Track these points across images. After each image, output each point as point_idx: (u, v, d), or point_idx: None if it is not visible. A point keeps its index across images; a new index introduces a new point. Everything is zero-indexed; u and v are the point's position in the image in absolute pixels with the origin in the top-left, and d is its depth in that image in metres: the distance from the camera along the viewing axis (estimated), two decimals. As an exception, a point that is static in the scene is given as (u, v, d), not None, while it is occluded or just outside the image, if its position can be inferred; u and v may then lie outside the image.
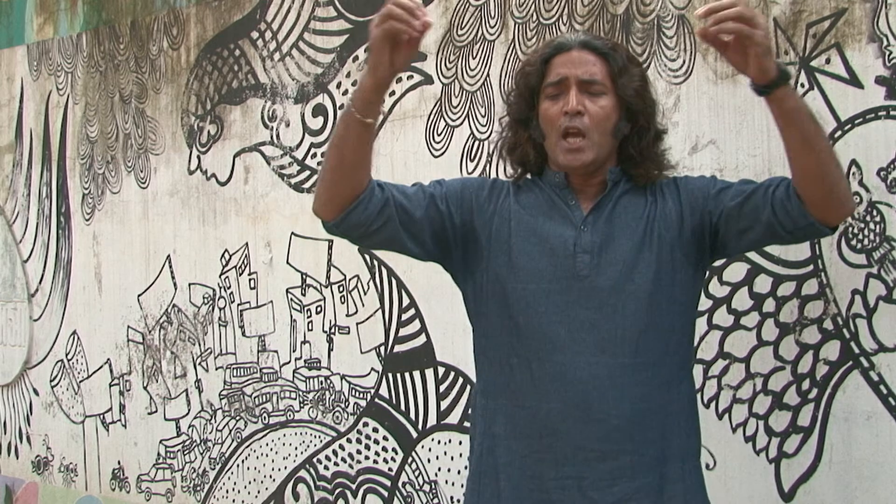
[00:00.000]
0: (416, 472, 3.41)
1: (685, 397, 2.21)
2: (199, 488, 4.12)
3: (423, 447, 3.39)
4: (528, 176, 2.28)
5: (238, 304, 3.95)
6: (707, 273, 2.32)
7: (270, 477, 3.86)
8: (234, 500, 3.99)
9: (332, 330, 3.64)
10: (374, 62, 2.05)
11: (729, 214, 2.14)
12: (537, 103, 2.21)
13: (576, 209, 2.17)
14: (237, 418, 3.96)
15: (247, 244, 3.92)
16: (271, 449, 3.85)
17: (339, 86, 3.62)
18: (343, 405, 3.61)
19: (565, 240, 2.14)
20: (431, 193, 2.21)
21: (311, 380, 3.70)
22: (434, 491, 3.36)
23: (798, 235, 2.14)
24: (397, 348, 3.46)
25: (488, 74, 3.20)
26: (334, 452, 3.65)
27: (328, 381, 3.65)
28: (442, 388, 3.33)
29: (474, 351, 2.29)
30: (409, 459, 3.43)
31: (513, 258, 2.16)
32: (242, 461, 3.95)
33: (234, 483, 3.98)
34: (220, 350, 4.02)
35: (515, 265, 2.16)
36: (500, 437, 2.18)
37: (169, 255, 4.22)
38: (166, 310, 4.23)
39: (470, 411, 2.34)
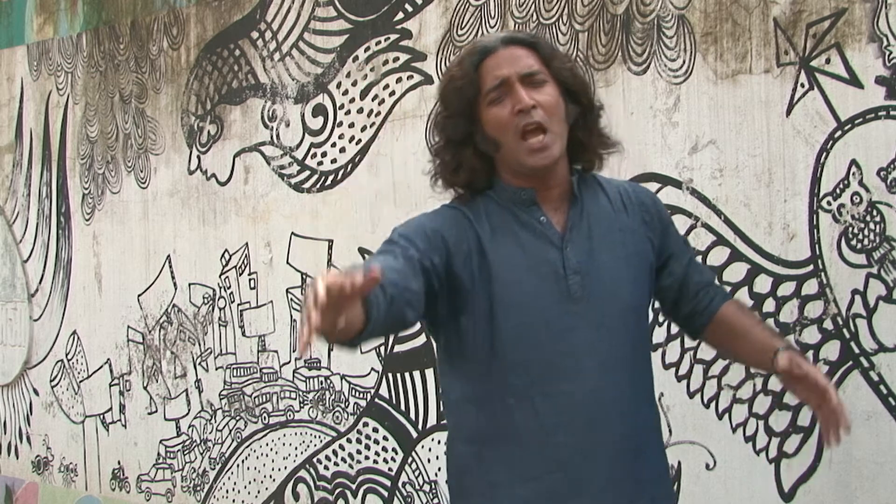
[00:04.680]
0: (416, 472, 3.41)
1: (658, 413, 2.20)
2: (199, 488, 4.12)
3: (423, 447, 3.39)
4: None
5: (238, 304, 3.95)
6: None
7: (270, 477, 3.85)
8: (234, 500, 3.99)
9: (332, 330, 3.63)
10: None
11: (683, 286, 2.18)
12: (478, 115, 2.05)
13: (548, 227, 2.06)
14: (237, 418, 3.96)
15: (247, 244, 3.92)
16: (271, 449, 3.85)
17: (339, 86, 3.61)
18: (343, 405, 3.61)
19: (552, 262, 2.03)
20: (416, 258, 1.96)
21: (311, 380, 3.70)
22: (434, 491, 3.35)
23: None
24: (397, 348, 3.45)
25: (488, 74, 3.20)
26: (334, 452, 3.64)
27: (328, 381, 3.65)
28: (442, 388, 3.33)
29: (450, 399, 2.10)
30: (409, 459, 3.42)
31: (500, 294, 2.00)
32: (242, 461, 3.95)
33: (234, 483, 3.98)
34: (220, 350, 4.02)
35: (504, 301, 2.00)
36: (502, 485, 2.03)
37: (169, 255, 4.22)
38: (166, 310, 4.23)
39: (445, 461, 2.14)
